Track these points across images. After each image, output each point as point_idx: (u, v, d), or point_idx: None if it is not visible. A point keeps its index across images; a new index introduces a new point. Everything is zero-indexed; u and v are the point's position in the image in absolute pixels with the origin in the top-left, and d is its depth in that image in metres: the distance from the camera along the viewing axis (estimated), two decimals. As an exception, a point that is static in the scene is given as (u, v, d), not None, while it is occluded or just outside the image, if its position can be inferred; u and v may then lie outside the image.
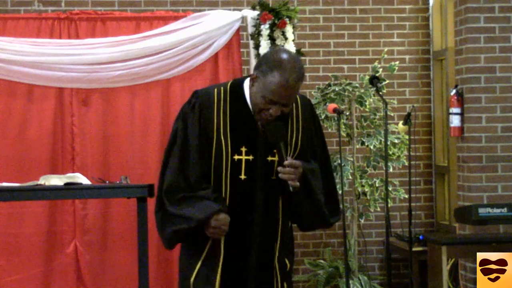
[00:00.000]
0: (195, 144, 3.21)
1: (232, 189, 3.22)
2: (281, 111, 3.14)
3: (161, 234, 3.27)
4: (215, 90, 3.26)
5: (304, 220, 3.36)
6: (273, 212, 3.30)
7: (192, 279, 3.26)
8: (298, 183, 3.15)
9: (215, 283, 3.23)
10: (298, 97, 3.30)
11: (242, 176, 3.21)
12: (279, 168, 3.16)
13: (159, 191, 3.25)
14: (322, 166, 3.36)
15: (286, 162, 3.14)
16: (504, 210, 5.54)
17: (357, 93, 6.13)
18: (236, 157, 3.20)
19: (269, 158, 3.24)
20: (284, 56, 3.15)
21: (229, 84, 3.29)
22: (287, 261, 3.37)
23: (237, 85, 3.28)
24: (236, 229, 3.22)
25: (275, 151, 3.22)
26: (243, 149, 3.21)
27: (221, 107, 3.23)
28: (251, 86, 3.20)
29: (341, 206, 3.51)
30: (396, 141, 6.11)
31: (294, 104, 3.27)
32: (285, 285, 3.35)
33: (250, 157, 3.21)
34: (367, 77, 5.91)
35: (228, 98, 3.25)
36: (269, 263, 3.30)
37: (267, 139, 3.20)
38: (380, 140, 6.04)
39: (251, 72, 3.46)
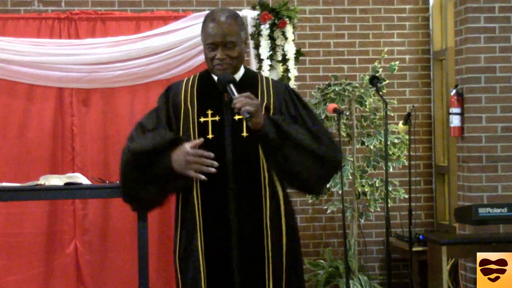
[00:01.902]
0: (161, 114, 3.40)
1: (201, 149, 3.29)
2: (226, 55, 3.30)
3: (121, 174, 3.39)
4: (185, 78, 3.49)
5: (302, 172, 3.30)
6: (253, 173, 3.31)
7: (176, 252, 3.35)
8: (252, 109, 3.16)
9: (198, 252, 3.28)
10: (271, 78, 3.50)
11: (210, 136, 3.31)
12: (232, 103, 3.22)
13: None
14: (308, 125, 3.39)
15: (236, 95, 3.22)
16: (504, 210, 5.53)
17: (357, 93, 6.13)
18: (202, 119, 3.33)
19: (237, 117, 3.32)
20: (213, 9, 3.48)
21: (199, 72, 3.50)
22: (284, 227, 3.35)
23: (205, 70, 3.47)
24: (211, 190, 3.28)
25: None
26: (209, 112, 3.33)
27: (189, 86, 3.42)
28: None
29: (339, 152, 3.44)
30: (396, 141, 6.11)
31: (264, 81, 3.44)
32: (283, 255, 3.35)
33: (217, 118, 3.32)
34: (367, 77, 5.91)
35: (196, 80, 3.44)
36: (255, 227, 3.30)
37: (232, 102, 3.30)
38: (380, 140, 6.04)
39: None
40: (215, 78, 3.34)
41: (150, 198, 3.38)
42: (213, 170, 3.23)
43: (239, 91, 3.30)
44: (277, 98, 3.39)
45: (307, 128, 3.35)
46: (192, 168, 3.23)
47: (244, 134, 3.31)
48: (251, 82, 3.41)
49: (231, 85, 3.26)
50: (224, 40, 3.30)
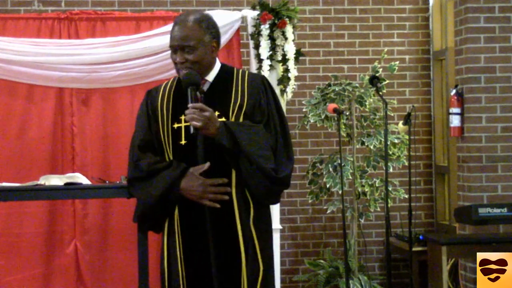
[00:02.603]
0: (143, 120, 3.48)
1: (175, 155, 3.37)
2: (185, 59, 3.33)
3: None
4: (165, 81, 3.55)
5: (250, 181, 3.33)
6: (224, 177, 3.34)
7: (165, 261, 3.44)
8: (198, 124, 3.21)
9: (177, 258, 3.36)
10: (247, 72, 3.51)
11: (182, 142, 3.36)
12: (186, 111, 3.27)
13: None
14: (276, 133, 3.41)
15: (189, 105, 3.25)
16: (504, 210, 5.54)
17: (357, 93, 6.13)
18: (175, 125, 3.37)
19: None
20: None
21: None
22: (253, 230, 3.37)
23: None
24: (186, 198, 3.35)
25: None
26: (182, 117, 3.35)
27: (166, 91, 3.48)
28: None
29: (287, 170, 3.40)
30: (396, 141, 6.11)
31: (240, 76, 3.45)
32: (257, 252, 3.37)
33: (189, 123, 3.32)
34: (367, 77, 5.91)
35: (174, 83, 3.49)
36: (229, 232, 3.34)
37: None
38: (380, 140, 6.04)
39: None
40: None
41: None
42: (227, 197, 3.29)
43: (213, 92, 3.33)
44: (251, 93, 3.41)
45: (267, 136, 3.36)
46: (208, 198, 3.30)
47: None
48: (225, 80, 3.43)
49: (188, 90, 3.29)
50: (181, 44, 3.34)
